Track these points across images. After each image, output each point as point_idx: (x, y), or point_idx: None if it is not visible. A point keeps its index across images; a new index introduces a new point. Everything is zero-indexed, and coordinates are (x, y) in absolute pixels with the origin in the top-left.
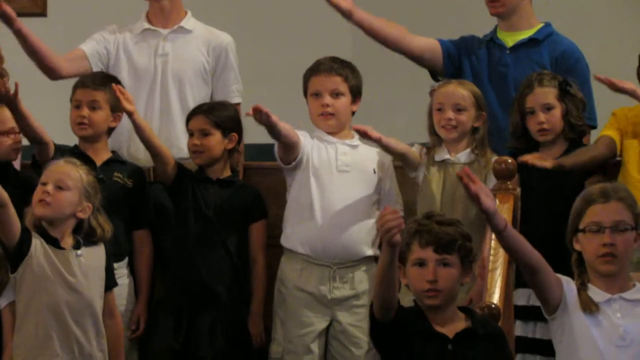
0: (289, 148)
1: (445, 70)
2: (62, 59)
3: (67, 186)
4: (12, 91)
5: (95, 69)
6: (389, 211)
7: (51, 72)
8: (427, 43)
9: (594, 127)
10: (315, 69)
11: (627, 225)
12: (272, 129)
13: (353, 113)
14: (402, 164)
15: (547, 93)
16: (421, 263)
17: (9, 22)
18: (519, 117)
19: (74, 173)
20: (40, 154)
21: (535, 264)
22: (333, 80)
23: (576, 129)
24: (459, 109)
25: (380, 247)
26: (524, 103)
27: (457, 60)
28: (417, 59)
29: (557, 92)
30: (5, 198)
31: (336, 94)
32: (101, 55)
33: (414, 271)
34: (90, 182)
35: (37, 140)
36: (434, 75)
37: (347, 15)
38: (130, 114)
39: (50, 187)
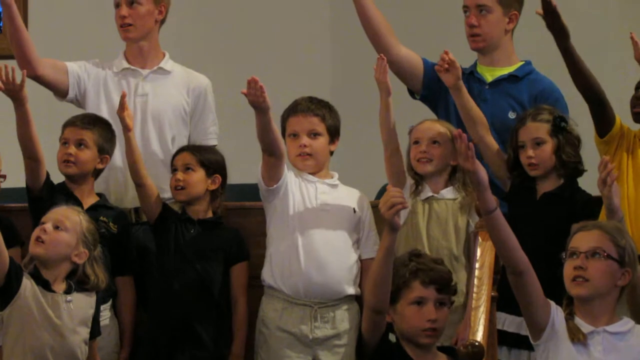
0: (274, 162)
1: (422, 91)
2: (43, 59)
3: (65, 227)
4: (18, 81)
5: (70, 90)
6: (394, 189)
7: (28, 65)
8: (411, 55)
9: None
10: (293, 110)
11: (603, 252)
12: (264, 114)
13: (331, 153)
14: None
15: (538, 128)
16: (421, 302)
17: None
18: (512, 151)
19: (74, 217)
20: (32, 175)
21: (521, 263)
22: (310, 120)
23: (568, 166)
24: (434, 142)
25: (360, 285)
26: (517, 137)
27: (436, 85)
28: (395, 64)
29: (549, 127)
30: None
31: (314, 134)
32: (80, 80)
33: (412, 309)
34: (90, 230)
35: (30, 153)
36: (412, 94)
37: None
38: (127, 130)
39: (48, 226)
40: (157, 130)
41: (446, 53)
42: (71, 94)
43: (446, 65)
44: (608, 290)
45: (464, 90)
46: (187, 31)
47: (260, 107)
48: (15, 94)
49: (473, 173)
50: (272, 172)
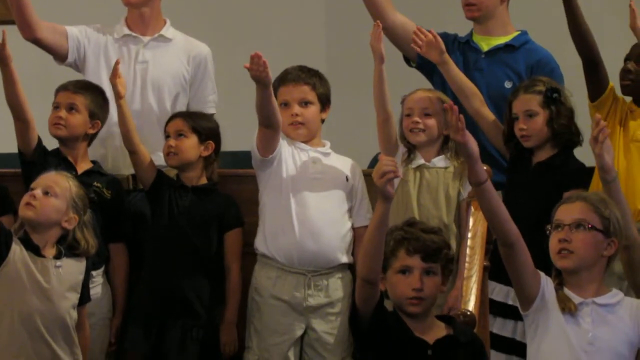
0: (271, 134)
1: (418, 59)
2: (43, 22)
3: (54, 193)
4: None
5: (70, 54)
6: (386, 157)
7: (27, 28)
8: (407, 22)
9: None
10: (283, 79)
11: (587, 224)
12: (265, 89)
13: (323, 121)
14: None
15: (530, 100)
16: (406, 270)
17: None
18: (506, 123)
19: (63, 182)
20: (22, 138)
21: (511, 235)
22: (301, 89)
23: (562, 136)
24: (426, 114)
25: (353, 254)
26: (511, 109)
27: None
28: (391, 31)
29: (541, 99)
30: None
31: (305, 103)
32: (80, 44)
33: (398, 278)
34: (80, 195)
35: (19, 113)
36: (408, 61)
37: None
38: (118, 97)
39: (38, 192)
40: (156, 97)
41: (417, 32)
42: (70, 59)
43: (424, 48)
44: (594, 261)
45: (452, 64)
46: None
47: (262, 82)
48: None
49: (463, 145)
50: (268, 143)
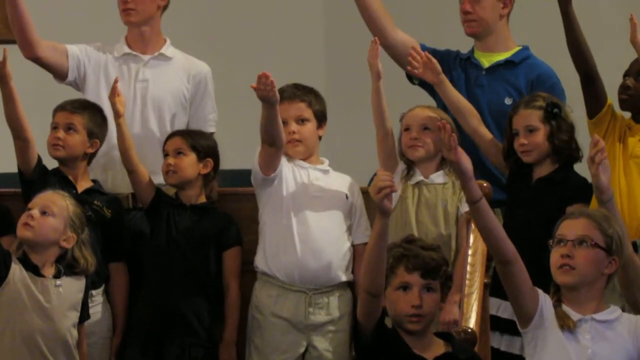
0: (274, 152)
1: (420, 78)
2: (44, 41)
3: (52, 212)
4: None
5: (70, 73)
6: (383, 172)
7: (28, 47)
8: (408, 40)
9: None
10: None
11: (590, 241)
12: (272, 108)
13: (320, 138)
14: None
15: (530, 115)
16: (406, 287)
17: None
18: (507, 139)
19: (60, 201)
20: (22, 156)
21: (508, 253)
22: (297, 106)
23: (562, 152)
24: (425, 128)
25: (353, 272)
26: (511, 124)
27: None
28: (392, 49)
29: (541, 114)
30: None
31: (301, 120)
32: (80, 63)
33: (397, 295)
34: (77, 214)
35: (18, 132)
36: (410, 78)
37: None
38: (117, 116)
39: (35, 212)
40: (156, 116)
41: (413, 53)
42: (70, 77)
43: (421, 69)
44: (594, 278)
45: (448, 84)
46: (186, 18)
47: (269, 101)
48: None
49: (456, 163)
50: (271, 161)
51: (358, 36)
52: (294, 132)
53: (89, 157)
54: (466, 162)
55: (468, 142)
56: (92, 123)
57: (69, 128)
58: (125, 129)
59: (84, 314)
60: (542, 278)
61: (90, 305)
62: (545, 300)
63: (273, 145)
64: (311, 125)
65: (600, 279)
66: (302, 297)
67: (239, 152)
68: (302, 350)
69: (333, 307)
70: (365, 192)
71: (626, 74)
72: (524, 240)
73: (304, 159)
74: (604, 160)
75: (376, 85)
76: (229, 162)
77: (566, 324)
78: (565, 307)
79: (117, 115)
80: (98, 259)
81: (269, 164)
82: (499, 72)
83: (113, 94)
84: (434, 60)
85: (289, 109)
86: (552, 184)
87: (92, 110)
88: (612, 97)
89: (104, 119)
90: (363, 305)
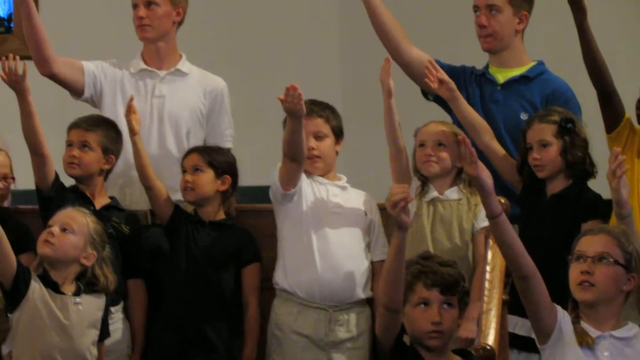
0: (295, 167)
1: (436, 94)
2: (59, 57)
3: (72, 229)
4: (20, 72)
5: (86, 89)
6: (396, 186)
7: (44, 63)
8: (423, 56)
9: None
10: None
11: (610, 257)
12: (297, 121)
13: (337, 153)
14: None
15: (544, 129)
16: (425, 303)
17: None
18: (520, 153)
19: (80, 219)
20: (39, 172)
21: (526, 268)
22: (315, 122)
23: (576, 167)
24: (439, 144)
25: (372, 288)
26: (525, 138)
27: None
28: (407, 66)
29: (555, 129)
30: None
31: (320, 136)
32: (96, 80)
33: (416, 312)
34: (98, 231)
35: (35, 147)
36: (425, 94)
37: None
38: (133, 134)
39: (55, 229)
40: (173, 131)
41: (429, 66)
42: (87, 94)
43: (436, 85)
44: (613, 295)
45: (462, 100)
46: (203, 33)
47: (296, 114)
48: (18, 85)
49: (476, 178)
50: (291, 176)
51: (373, 52)
52: (313, 148)
53: (106, 173)
54: (486, 176)
55: (481, 158)
56: (106, 139)
57: (84, 145)
58: (141, 146)
59: (104, 332)
60: (558, 294)
61: (109, 322)
62: (563, 317)
63: (295, 160)
64: (329, 141)
65: (619, 296)
66: (322, 314)
67: (257, 168)
68: None
69: (353, 324)
70: (382, 209)
71: None
72: (538, 256)
73: (323, 175)
74: (624, 173)
75: (388, 103)
76: (246, 178)
77: (585, 341)
78: (583, 324)
79: (133, 132)
80: (117, 276)
81: (290, 180)
82: (514, 88)
83: (129, 111)
84: (448, 80)
85: (306, 125)
86: (566, 200)
87: (106, 126)
88: (630, 112)
89: (118, 134)
90: (382, 321)
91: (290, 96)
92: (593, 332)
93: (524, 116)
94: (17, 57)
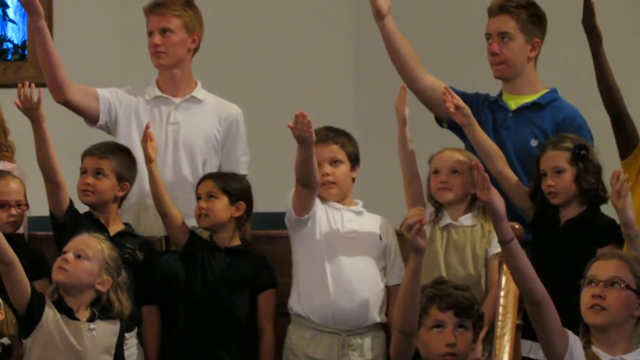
0: (308, 193)
1: (449, 121)
2: (74, 84)
3: (86, 256)
4: (35, 99)
5: (101, 116)
6: (412, 209)
7: (59, 90)
8: (437, 83)
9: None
10: None
11: (622, 282)
12: (308, 148)
13: (353, 180)
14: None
15: (558, 156)
16: (439, 326)
17: (33, 13)
18: (534, 180)
19: (95, 245)
20: (53, 200)
21: (538, 294)
22: (330, 148)
23: (589, 193)
24: (454, 171)
25: (387, 313)
26: (539, 165)
27: None
28: (421, 93)
29: (569, 155)
30: (12, 256)
31: (335, 162)
32: (111, 107)
33: (431, 335)
34: (112, 257)
35: (50, 175)
36: (439, 122)
37: (380, 15)
38: (149, 161)
39: (70, 255)
40: (188, 158)
41: (446, 92)
42: (101, 121)
43: (453, 109)
44: (624, 320)
45: (477, 126)
46: (217, 60)
47: (306, 142)
48: (33, 113)
49: (489, 204)
50: (304, 202)
51: (388, 77)
52: (327, 175)
53: (120, 200)
54: (499, 202)
55: (494, 185)
56: (120, 166)
57: (98, 173)
58: (157, 173)
59: (119, 358)
60: (571, 319)
61: (123, 348)
62: (575, 342)
63: (307, 186)
64: (345, 167)
65: (630, 320)
66: (335, 339)
67: (272, 194)
68: None
69: (367, 349)
70: (399, 234)
71: None
72: (551, 281)
73: (338, 201)
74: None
75: (402, 131)
76: (261, 204)
77: None
78: (595, 348)
79: (149, 160)
80: (132, 302)
81: (303, 205)
82: (525, 114)
83: (145, 139)
84: (464, 106)
85: (322, 151)
86: (582, 226)
87: (120, 153)
88: None
89: (132, 161)
90: (396, 345)
91: (299, 123)
92: (604, 356)
93: (534, 142)
94: (33, 85)
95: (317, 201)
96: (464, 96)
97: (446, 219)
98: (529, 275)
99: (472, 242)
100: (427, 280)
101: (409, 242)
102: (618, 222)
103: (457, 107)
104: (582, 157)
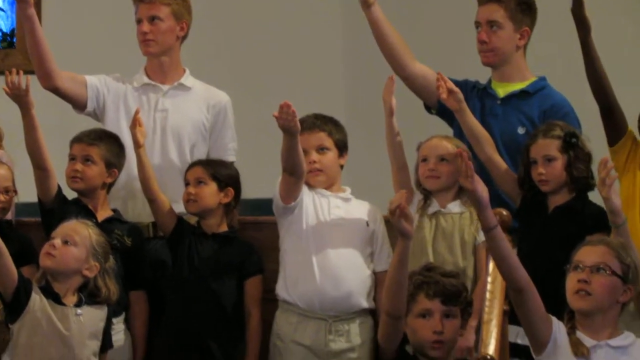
0: (294, 181)
1: (438, 106)
2: (62, 71)
3: (74, 242)
4: (23, 86)
5: (89, 103)
6: (396, 195)
7: (47, 77)
8: (426, 71)
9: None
10: None
11: (608, 268)
12: (292, 138)
13: (342, 167)
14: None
15: (549, 144)
16: (426, 314)
17: (22, 1)
18: (523, 167)
19: (82, 231)
20: (41, 186)
21: (521, 281)
22: (317, 136)
23: (579, 181)
24: (442, 159)
25: (374, 299)
26: (529, 153)
27: None
28: (410, 80)
29: (560, 143)
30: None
31: (322, 149)
32: (99, 94)
33: (418, 322)
34: (100, 242)
35: (38, 161)
36: (428, 109)
37: (367, 4)
38: (137, 146)
39: (57, 241)
40: (176, 145)
41: (440, 77)
42: (89, 108)
43: (445, 95)
44: (609, 306)
45: (468, 112)
46: (205, 48)
47: (290, 131)
48: (21, 99)
49: (472, 191)
50: (291, 190)
51: (377, 65)
52: (314, 162)
53: (108, 186)
54: (482, 190)
55: (481, 171)
56: (109, 153)
57: (87, 160)
58: (145, 158)
59: (107, 343)
60: (557, 306)
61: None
62: (559, 327)
63: (293, 174)
64: (332, 155)
65: (615, 306)
66: (322, 325)
67: (260, 181)
68: None
69: (353, 334)
70: (388, 220)
71: None
72: (538, 267)
73: (326, 188)
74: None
75: (389, 121)
76: (250, 191)
77: (580, 351)
78: (579, 333)
79: (137, 145)
80: (119, 288)
81: (290, 193)
82: (513, 102)
83: (134, 124)
84: (457, 90)
85: (309, 138)
86: (571, 212)
87: (108, 140)
88: (633, 125)
89: (121, 147)
90: (384, 329)
91: (284, 113)
92: (589, 341)
93: (521, 130)
94: (21, 72)
95: (305, 188)
96: (453, 83)
97: (435, 207)
98: (512, 262)
99: (461, 229)
100: (415, 268)
101: (394, 227)
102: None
103: (450, 91)
104: (573, 145)
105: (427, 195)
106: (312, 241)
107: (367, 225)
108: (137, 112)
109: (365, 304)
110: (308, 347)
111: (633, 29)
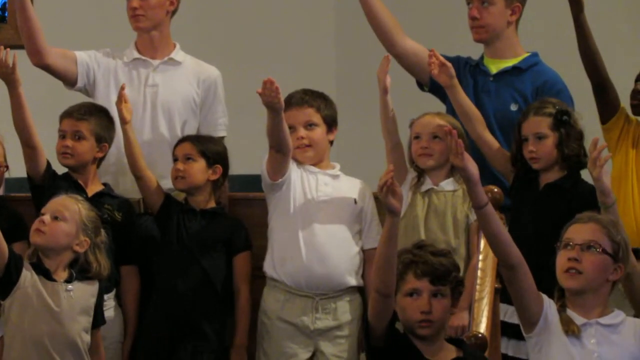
0: (281, 158)
1: (430, 83)
2: (53, 48)
3: (63, 217)
4: (10, 64)
5: (79, 79)
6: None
7: (37, 55)
8: (417, 48)
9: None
10: (287, 103)
11: (598, 246)
12: (277, 114)
13: (331, 143)
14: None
15: (540, 122)
16: (415, 293)
17: None
18: (515, 144)
19: (72, 206)
20: (30, 163)
21: (513, 258)
22: (305, 112)
23: (571, 159)
24: (435, 137)
25: (363, 276)
26: (521, 130)
27: None
28: (401, 57)
29: (551, 121)
30: None
31: (310, 125)
32: (89, 69)
33: (407, 301)
34: (90, 217)
35: (26, 139)
36: (421, 86)
37: None
38: (124, 123)
39: (46, 217)
40: (166, 120)
41: (432, 54)
42: (80, 84)
43: (436, 70)
44: (600, 284)
45: (459, 88)
46: (196, 23)
47: (274, 108)
48: (8, 77)
49: (462, 169)
50: (278, 167)
51: (368, 41)
52: (302, 137)
53: (99, 161)
54: (472, 167)
55: (474, 148)
56: (99, 128)
57: (77, 135)
58: (132, 135)
59: (99, 319)
60: (548, 284)
61: None
62: (550, 306)
63: (280, 151)
64: (320, 130)
65: (605, 285)
66: (308, 302)
67: (250, 157)
68: (308, 355)
69: (341, 312)
70: (377, 198)
71: (637, 79)
72: (529, 245)
73: (314, 164)
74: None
75: (383, 99)
76: (240, 167)
77: (570, 329)
78: (570, 312)
79: (124, 121)
80: (110, 263)
81: (277, 170)
82: (505, 79)
83: (120, 100)
84: (449, 65)
85: (297, 114)
86: (562, 190)
87: (98, 114)
88: (625, 102)
89: (110, 121)
90: (374, 306)
91: (267, 89)
92: (579, 319)
93: (513, 107)
94: (8, 49)
95: (293, 165)
96: (446, 59)
97: (428, 184)
98: (503, 239)
99: (453, 207)
100: (407, 245)
101: (383, 204)
102: None
103: (441, 65)
104: (564, 122)
105: (420, 172)
106: (299, 218)
107: (355, 202)
108: (122, 88)
109: (352, 281)
110: (294, 324)
111: (625, 5)
